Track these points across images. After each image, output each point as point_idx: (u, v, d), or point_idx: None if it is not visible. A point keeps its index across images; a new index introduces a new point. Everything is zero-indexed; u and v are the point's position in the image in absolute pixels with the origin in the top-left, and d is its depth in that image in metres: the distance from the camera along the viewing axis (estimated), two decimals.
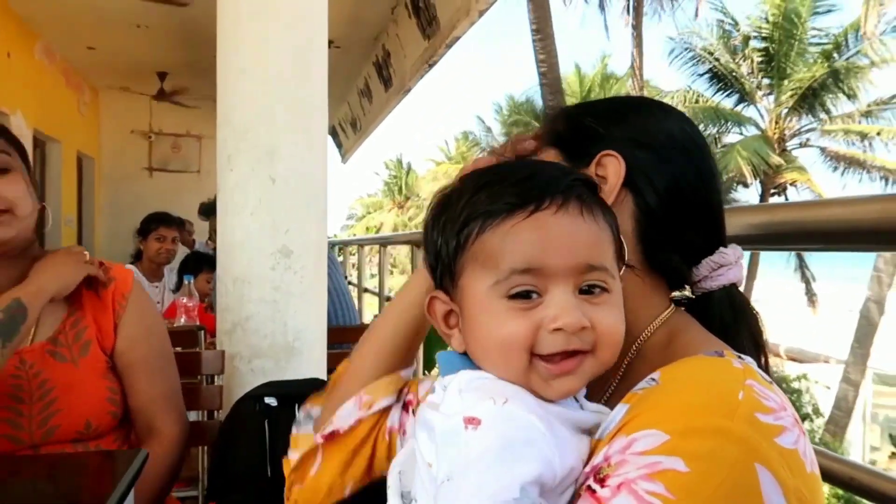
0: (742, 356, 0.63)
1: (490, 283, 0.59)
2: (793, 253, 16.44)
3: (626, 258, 0.69)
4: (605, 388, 0.71)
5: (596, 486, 0.55)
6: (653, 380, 0.61)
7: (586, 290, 0.59)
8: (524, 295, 0.59)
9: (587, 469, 0.58)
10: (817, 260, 17.18)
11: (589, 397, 0.66)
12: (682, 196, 0.73)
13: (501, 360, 0.59)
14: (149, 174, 8.01)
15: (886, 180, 16.58)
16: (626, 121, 0.76)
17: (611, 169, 0.72)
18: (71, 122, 6.83)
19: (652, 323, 0.72)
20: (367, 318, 5.27)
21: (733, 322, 0.73)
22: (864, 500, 1.08)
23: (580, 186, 0.62)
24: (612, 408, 0.63)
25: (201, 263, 3.76)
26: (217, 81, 2.22)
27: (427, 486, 0.60)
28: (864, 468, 1.13)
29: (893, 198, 1.03)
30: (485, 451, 0.53)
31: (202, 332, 2.34)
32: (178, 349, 2.21)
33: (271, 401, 1.59)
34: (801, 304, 16.99)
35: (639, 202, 0.72)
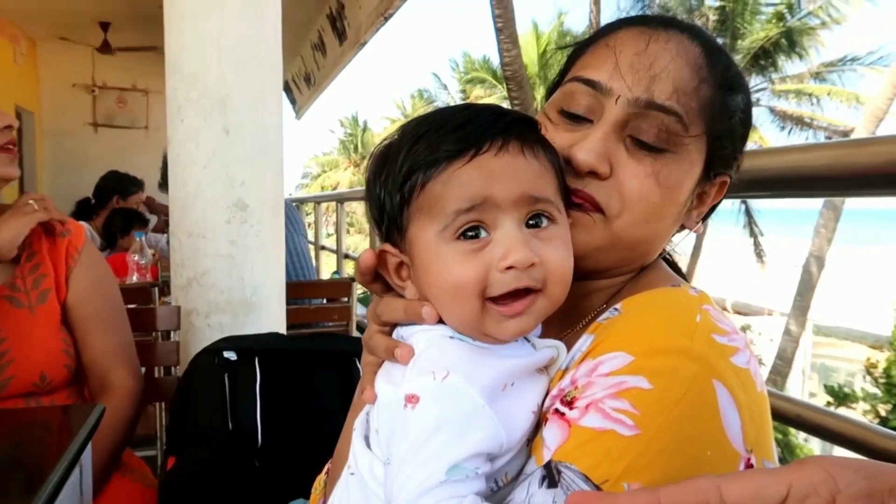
0: (695, 287, 0.67)
1: (438, 230, 0.59)
2: (742, 209, 16.90)
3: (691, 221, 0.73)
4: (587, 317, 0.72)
5: (564, 409, 0.58)
6: (615, 310, 0.64)
7: (534, 225, 0.60)
8: (472, 234, 0.59)
9: (554, 393, 0.60)
10: (766, 216, 17.70)
11: (566, 325, 0.69)
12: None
13: (455, 305, 0.59)
14: (93, 130, 7.68)
15: (830, 139, 17.11)
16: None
17: (716, 192, 0.73)
18: (7, 74, 6.47)
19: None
20: (324, 275, 5.24)
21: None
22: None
23: (520, 126, 0.62)
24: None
25: (130, 220, 3.72)
26: (164, 27, 2.12)
27: (376, 446, 0.62)
28: (811, 406, 1.19)
29: (845, 144, 1.06)
30: (416, 437, 0.53)
31: (155, 288, 2.29)
32: (133, 306, 2.16)
33: (230, 355, 1.57)
34: (750, 259, 17.54)
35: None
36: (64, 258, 1.38)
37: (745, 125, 0.72)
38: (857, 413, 9.04)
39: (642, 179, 0.65)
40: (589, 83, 0.67)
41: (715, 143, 0.69)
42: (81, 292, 1.38)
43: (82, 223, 3.78)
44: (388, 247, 0.65)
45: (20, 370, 1.25)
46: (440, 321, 0.62)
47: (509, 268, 0.57)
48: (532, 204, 0.59)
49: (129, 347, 1.46)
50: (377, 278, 0.67)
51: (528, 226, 0.60)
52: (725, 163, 0.71)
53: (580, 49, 0.73)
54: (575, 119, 0.69)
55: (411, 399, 0.55)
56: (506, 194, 0.58)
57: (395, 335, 0.65)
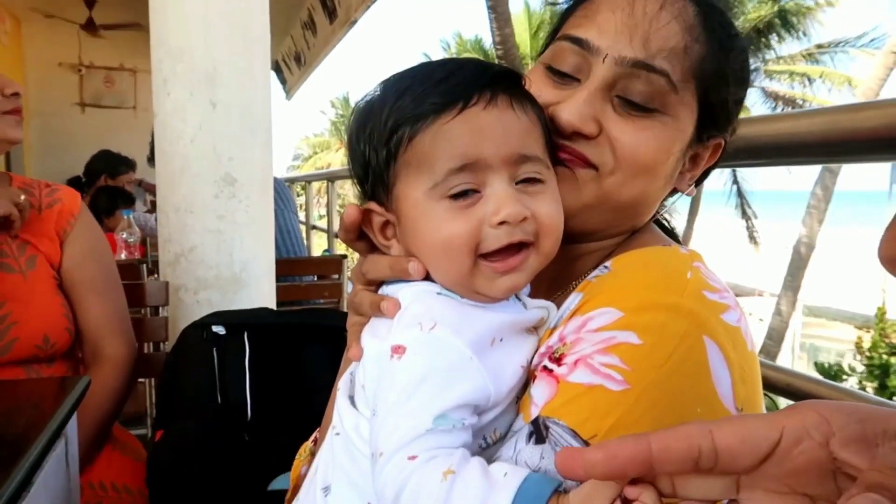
0: (687, 247, 0.67)
1: (427, 187, 0.58)
2: (734, 191, 16.92)
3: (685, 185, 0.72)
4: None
5: (552, 366, 0.57)
6: (605, 267, 0.63)
7: (523, 181, 0.59)
8: (463, 194, 0.58)
9: (542, 351, 0.59)
10: (759, 198, 17.74)
11: (557, 286, 0.68)
12: None
13: (445, 262, 0.59)
14: (81, 110, 7.59)
15: None
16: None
17: (710, 155, 0.72)
18: None
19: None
20: (315, 253, 5.22)
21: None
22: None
23: (505, 79, 0.61)
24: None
25: (115, 199, 3.71)
26: (149, 0, 2.08)
27: (362, 403, 0.61)
28: (802, 375, 1.19)
29: (836, 110, 1.04)
30: (403, 387, 0.53)
31: (143, 265, 2.27)
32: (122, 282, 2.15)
33: (219, 329, 1.56)
34: (742, 242, 17.60)
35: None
36: (54, 225, 1.38)
37: (741, 87, 0.70)
38: None
39: (632, 138, 0.64)
40: (577, 41, 0.66)
41: (707, 105, 0.67)
42: (77, 257, 1.39)
43: None
44: (373, 205, 0.64)
45: (23, 332, 1.26)
46: (427, 277, 0.61)
47: (502, 223, 0.57)
48: (522, 163, 0.59)
49: (123, 316, 1.47)
50: (361, 237, 0.66)
51: (517, 184, 0.59)
52: (719, 125, 0.70)
53: (571, 7, 0.71)
54: (562, 77, 0.67)
55: (398, 350, 0.54)
56: (497, 154, 0.57)
57: (380, 292, 0.64)
